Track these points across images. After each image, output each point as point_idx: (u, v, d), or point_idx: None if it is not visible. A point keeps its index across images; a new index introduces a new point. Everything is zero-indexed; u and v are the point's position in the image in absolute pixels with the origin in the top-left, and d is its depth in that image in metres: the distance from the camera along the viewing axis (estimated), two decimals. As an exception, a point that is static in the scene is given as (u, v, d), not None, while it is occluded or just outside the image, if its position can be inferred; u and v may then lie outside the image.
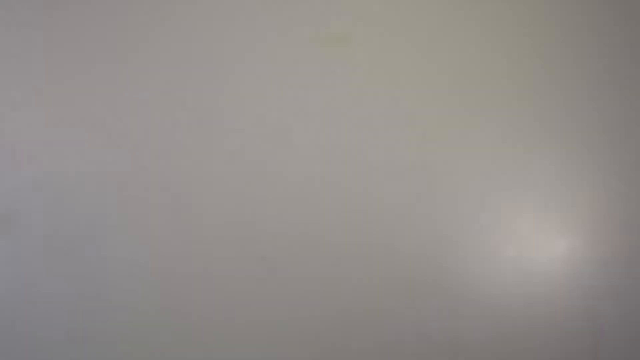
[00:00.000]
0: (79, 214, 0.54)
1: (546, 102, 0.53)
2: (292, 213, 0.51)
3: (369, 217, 0.51)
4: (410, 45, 0.54)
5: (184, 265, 0.51)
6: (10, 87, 0.58)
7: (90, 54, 0.57)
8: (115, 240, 0.52)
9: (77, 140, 0.55)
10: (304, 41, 0.55)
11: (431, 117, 0.52)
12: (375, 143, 0.52)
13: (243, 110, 0.53)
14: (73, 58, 0.57)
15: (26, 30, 0.58)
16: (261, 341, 0.50)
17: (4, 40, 0.57)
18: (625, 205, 0.51)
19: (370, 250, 0.50)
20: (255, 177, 0.52)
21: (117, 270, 0.51)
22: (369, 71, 0.53)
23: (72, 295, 0.51)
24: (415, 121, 0.52)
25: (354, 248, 0.50)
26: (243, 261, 0.51)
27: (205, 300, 0.51)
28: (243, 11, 0.56)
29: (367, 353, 0.49)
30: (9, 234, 0.54)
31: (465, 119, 0.52)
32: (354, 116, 0.52)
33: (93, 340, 0.49)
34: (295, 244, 0.51)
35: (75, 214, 0.53)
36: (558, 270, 0.48)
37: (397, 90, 0.52)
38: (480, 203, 0.51)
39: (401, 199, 0.50)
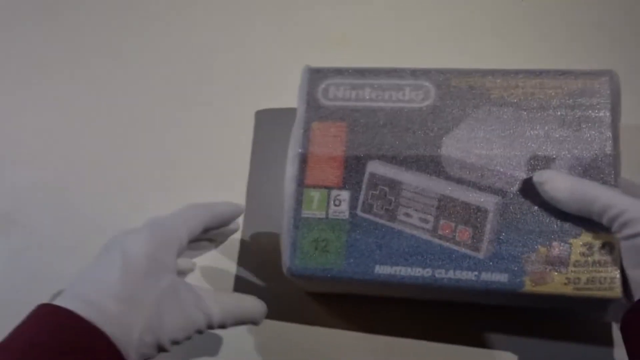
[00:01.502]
0: (80, 214, 0.52)
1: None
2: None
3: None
4: (409, 46, 0.56)
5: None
6: (11, 86, 0.58)
7: (87, 50, 0.57)
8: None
9: (78, 140, 0.55)
10: (302, 42, 0.56)
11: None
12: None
13: (243, 111, 0.55)
14: (70, 57, 0.58)
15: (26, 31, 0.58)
16: None
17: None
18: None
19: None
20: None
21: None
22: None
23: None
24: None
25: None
26: None
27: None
28: (242, 13, 0.58)
29: None
30: (9, 233, 0.52)
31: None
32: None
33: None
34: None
35: (76, 213, 0.52)
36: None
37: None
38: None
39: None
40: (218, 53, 0.57)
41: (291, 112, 0.45)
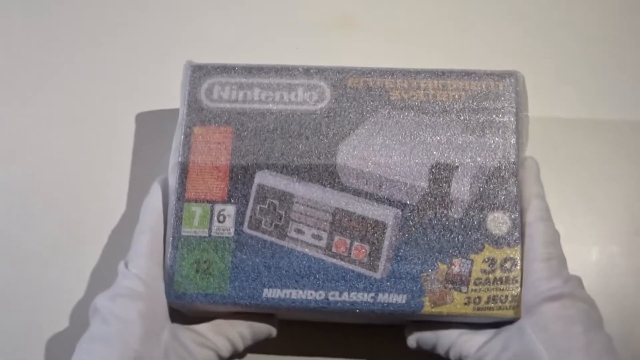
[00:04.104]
0: (54, 218, 0.46)
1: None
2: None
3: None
4: (417, 28, 0.51)
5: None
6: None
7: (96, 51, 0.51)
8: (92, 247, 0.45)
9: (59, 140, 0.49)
10: (307, 24, 0.51)
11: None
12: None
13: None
14: (73, 57, 0.51)
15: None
16: None
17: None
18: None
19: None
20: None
21: (97, 276, 0.45)
22: (374, 54, 0.48)
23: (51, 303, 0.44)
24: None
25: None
26: None
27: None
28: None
29: None
30: None
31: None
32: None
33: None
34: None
35: (50, 217, 0.46)
36: (591, 280, 0.40)
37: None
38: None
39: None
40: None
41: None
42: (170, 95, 0.44)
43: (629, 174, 0.45)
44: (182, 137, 0.39)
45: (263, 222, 0.38)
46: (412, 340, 0.39)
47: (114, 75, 0.50)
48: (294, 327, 0.43)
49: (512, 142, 0.38)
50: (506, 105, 0.39)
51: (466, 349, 0.36)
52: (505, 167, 0.38)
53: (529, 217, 0.37)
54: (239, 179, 0.38)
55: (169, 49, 0.50)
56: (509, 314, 0.36)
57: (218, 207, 0.38)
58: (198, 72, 0.40)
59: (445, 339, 0.37)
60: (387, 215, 0.38)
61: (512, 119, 0.39)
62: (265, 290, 0.37)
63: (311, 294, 0.37)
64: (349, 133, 0.39)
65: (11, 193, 0.47)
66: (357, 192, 0.38)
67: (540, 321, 0.34)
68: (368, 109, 0.39)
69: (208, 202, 0.38)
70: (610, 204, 0.44)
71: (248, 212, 0.38)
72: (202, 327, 0.38)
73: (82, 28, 0.51)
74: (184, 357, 0.36)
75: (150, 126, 0.48)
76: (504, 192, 0.38)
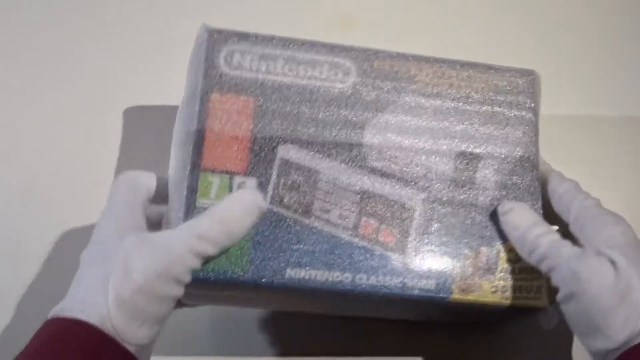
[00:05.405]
0: (53, 216, 0.43)
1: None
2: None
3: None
4: (416, 28, 0.50)
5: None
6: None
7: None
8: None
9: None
10: (306, 24, 0.48)
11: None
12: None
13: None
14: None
15: None
16: None
17: None
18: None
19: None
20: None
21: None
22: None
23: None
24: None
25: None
26: None
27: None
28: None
29: None
30: None
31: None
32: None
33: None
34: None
35: (49, 216, 0.43)
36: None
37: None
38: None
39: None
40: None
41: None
42: (162, 92, 0.42)
43: (629, 173, 0.47)
44: (198, 102, 0.36)
45: (286, 198, 0.35)
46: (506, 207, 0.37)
47: (104, 71, 0.47)
48: (294, 327, 0.40)
49: (532, 136, 0.39)
50: (528, 101, 0.40)
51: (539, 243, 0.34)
52: (526, 159, 0.38)
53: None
54: (260, 151, 0.36)
55: (162, 45, 0.47)
56: (535, 303, 0.36)
57: (238, 179, 0.35)
58: (217, 37, 0.37)
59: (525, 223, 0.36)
60: (416, 199, 0.36)
61: (531, 114, 0.39)
62: (289, 269, 0.34)
63: (337, 276, 0.34)
64: (375, 114, 0.38)
65: (7, 192, 0.44)
66: (384, 174, 0.37)
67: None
68: (393, 91, 0.38)
69: (227, 172, 0.35)
70: (610, 204, 0.46)
71: (271, 187, 0.35)
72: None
73: (71, 24, 0.48)
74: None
75: (151, 125, 0.45)
76: (526, 184, 0.38)
